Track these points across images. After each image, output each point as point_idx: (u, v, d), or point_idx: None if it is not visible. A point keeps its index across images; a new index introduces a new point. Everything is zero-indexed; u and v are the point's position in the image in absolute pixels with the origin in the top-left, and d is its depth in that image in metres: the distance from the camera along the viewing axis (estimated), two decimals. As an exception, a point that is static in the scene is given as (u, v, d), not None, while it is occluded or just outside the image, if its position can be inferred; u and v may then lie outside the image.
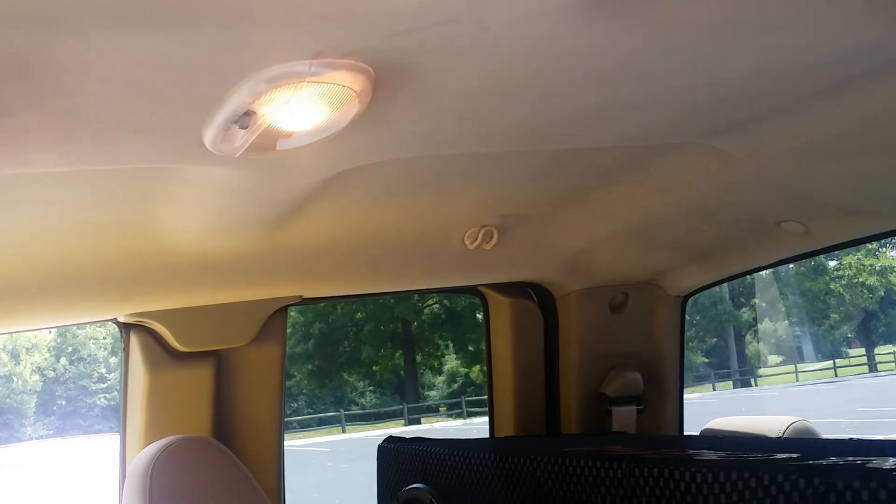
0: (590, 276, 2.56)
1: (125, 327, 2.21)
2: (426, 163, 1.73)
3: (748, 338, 39.10)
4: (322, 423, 32.57)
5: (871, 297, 35.76)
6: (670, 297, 2.68)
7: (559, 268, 2.52)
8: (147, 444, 1.93)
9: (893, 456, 1.15)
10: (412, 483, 2.16)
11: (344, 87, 1.15)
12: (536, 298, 2.68)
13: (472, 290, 2.72)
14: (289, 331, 2.38)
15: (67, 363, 33.91)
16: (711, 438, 2.43)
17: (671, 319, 2.72)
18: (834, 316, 37.22)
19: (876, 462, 1.12)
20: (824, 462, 1.20)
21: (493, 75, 1.24)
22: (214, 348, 2.22)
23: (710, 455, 1.52)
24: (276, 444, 2.32)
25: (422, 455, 2.18)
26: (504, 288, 2.67)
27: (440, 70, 1.20)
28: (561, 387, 2.67)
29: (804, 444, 1.99)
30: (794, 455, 1.32)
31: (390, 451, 2.37)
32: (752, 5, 1.14)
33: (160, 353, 2.17)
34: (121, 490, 2.11)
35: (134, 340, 2.19)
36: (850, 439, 1.49)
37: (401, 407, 33.39)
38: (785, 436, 2.39)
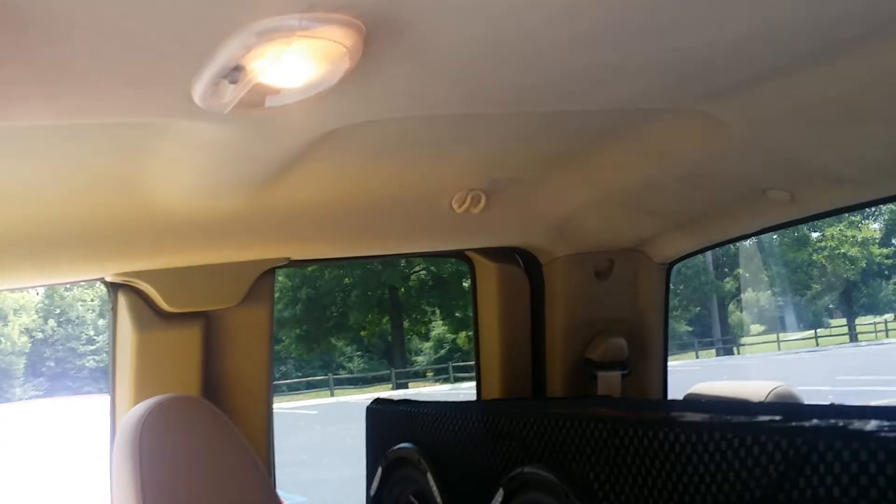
0: (576, 242, 2.56)
1: (113, 287, 2.20)
2: (415, 124, 1.73)
3: (731, 307, 39.38)
4: (310, 386, 32.75)
5: (853, 269, 36.02)
6: (655, 264, 2.69)
7: (546, 233, 2.53)
8: (137, 403, 1.94)
9: (875, 419, 1.17)
10: (400, 443, 2.18)
11: (335, 42, 1.14)
12: (523, 264, 2.69)
13: (459, 255, 2.72)
14: (276, 295, 2.38)
15: (56, 325, 33.87)
16: (695, 402, 2.45)
17: (656, 286, 2.74)
18: (816, 286, 37.50)
19: (858, 424, 1.14)
20: (806, 424, 1.22)
21: (484, 33, 1.24)
22: (202, 309, 2.22)
23: (693, 417, 1.54)
24: (265, 404, 2.33)
25: (410, 416, 2.20)
26: (491, 253, 2.68)
27: (431, 27, 1.19)
28: (547, 351, 2.68)
29: (787, 407, 2.01)
30: (777, 418, 1.34)
31: (379, 412, 2.38)
32: None
33: (148, 313, 2.17)
34: (111, 448, 2.12)
35: (122, 300, 2.18)
36: (832, 404, 1.50)
37: (388, 372, 33.56)
38: (767, 400, 2.42)
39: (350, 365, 37.11)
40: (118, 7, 1.02)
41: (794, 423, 1.23)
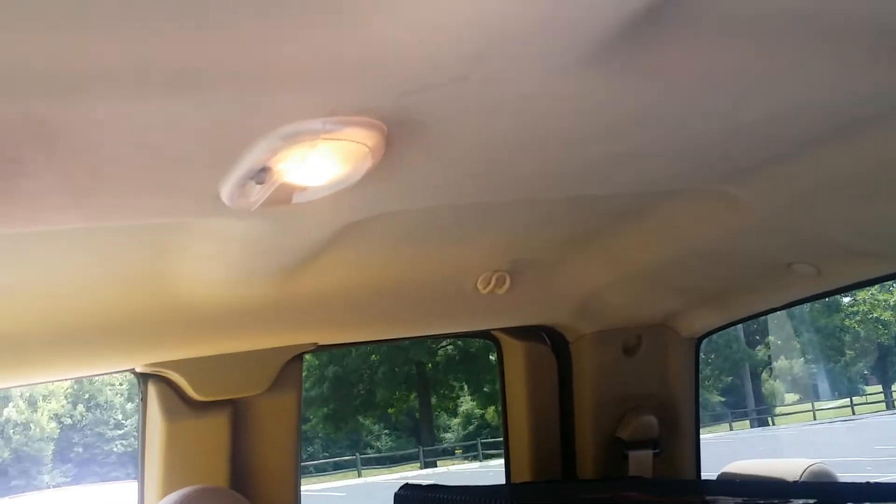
0: (602, 319, 2.56)
1: (142, 377, 2.22)
2: (438, 211, 1.75)
3: (764, 376, 38.69)
4: (338, 466, 32.34)
5: (886, 333, 35.35)
6: (684, 338, 2.68)
7: (571, 311, 2.53)
8: (165, 492, 1.94)
9: None
10: (429, 531, 2.15)
11: (357, 143, 1.18)
12: (550, 342, 2.69)
13: (485, 335, 2.73)
14: (304, 374, 2.39)
15: (84, 410, 33.86)
16: (729, 483, 2.40)
17: (685, 361, 2.71)
18: (850, 353, 36.79)
19: (892, 508, 1.12)
20: None
21: (503, 130, 1.27)
22: (231, 397, 2.23)
23: (727, 501, 1.52)
24: (293, 492, 2.32)
25: (438, 503, 2.17)
26: (517, 332, 2.67)
27: (451, 125, 1.22)
28: (576, 430, 2.66)
29: (821, 488, 1.97)
30: (811, 501, 1.32)
31: (407, 500, 2.36)
32: (758, 57, 1.16)
33: (177, 402, 2.18)
34: (139, 540, 2.11)
35: (151, 390, 2.20)
36: (867, 483, 1.47)
37: (416, 450, 33.12)
38: (802, 479, 2.36)
39: (378, 443, 36.70)
40: (145, 119, 1.06)
41: (828, 508, 1.21)
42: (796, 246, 2.00)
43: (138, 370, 2.19)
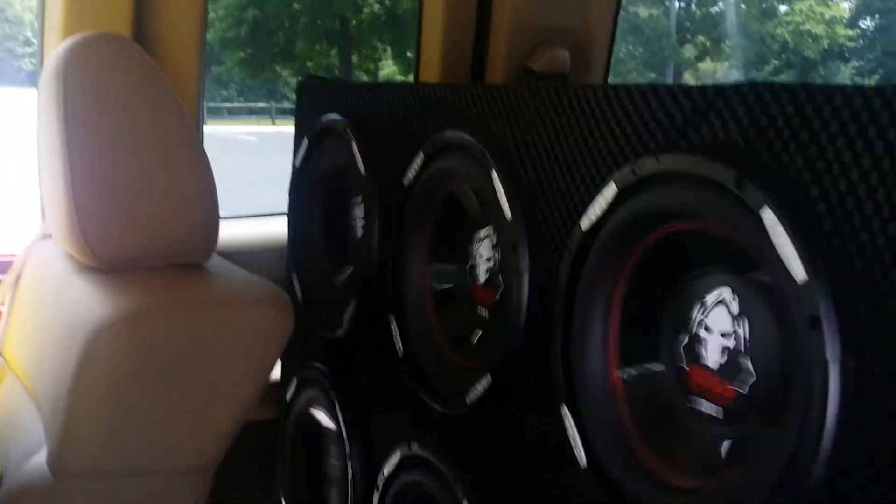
0: None
1: None
2: None
3: (686, 76, 39.24)
4: (252, 112, 32.35)
5: (814, 47, 35.63)
6: (610, -27, 2.63)
7: None
8: (64, 38, 1.89)
9: None
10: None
11: None
12: None
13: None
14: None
15: (-8, 21, 32.17)
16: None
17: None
18: (775, 62, 37.27)
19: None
20: None
21: None
22: None
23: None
24: (197, 58, 2.29)
25: (342, 92, 2.19)
26: None
27: None
28: (489, 58, 2.66)
29: None
30: None
31: (311, 88, 2.37)
32: None
33: None
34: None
35: None
36: None
37: (333, 106, 33.14)
38: None
39: (294, 96, 36.50)
40: None
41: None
42: None
43: None
